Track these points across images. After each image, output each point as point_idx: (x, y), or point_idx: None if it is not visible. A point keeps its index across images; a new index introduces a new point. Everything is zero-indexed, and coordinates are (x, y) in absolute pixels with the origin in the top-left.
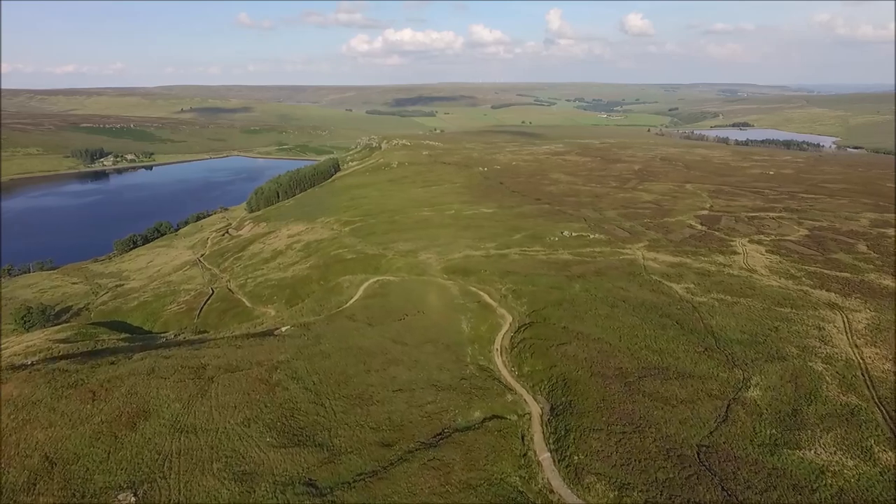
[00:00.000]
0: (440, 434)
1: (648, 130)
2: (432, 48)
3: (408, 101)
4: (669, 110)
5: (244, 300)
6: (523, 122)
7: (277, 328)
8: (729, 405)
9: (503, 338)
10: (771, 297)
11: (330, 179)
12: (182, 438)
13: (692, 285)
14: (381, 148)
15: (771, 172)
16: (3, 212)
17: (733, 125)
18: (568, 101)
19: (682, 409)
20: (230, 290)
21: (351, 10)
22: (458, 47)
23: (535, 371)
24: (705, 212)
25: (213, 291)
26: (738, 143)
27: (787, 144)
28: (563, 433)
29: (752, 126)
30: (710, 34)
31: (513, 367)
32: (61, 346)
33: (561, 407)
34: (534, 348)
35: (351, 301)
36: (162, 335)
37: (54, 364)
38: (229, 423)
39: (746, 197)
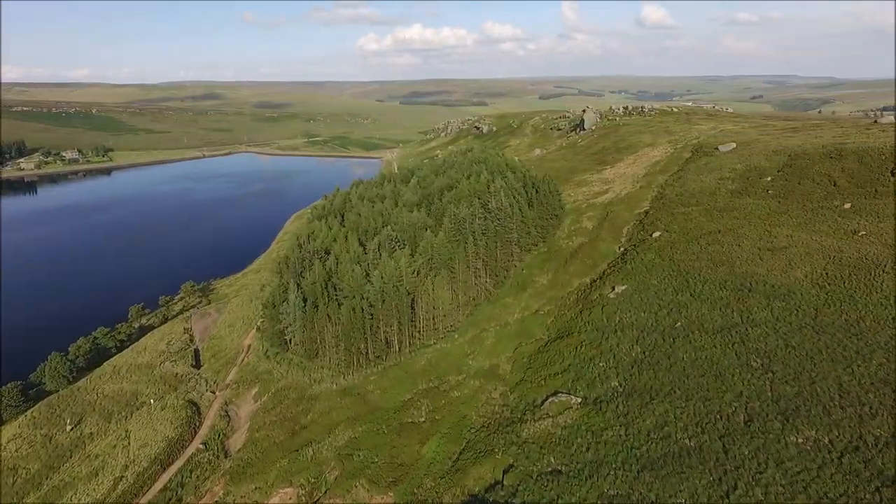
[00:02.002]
0: None
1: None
2: (445, 45)
3: (432, 94)
4: (752, 98)
5: None
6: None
7: None
8: None
9: None
10: None
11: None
12: None
13: None
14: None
15: None
16: None
17: (883, 109)
18: (612, 92)
19: None
20: None
21: (360, 8)
22: (471, 44)
23: None
24: None
25: None
26: None
27: None
28: None
29: None
30: (733, 25)
31: None
32: None
33: None
34: None
35: None
36: None
37: None
38: None
39: None
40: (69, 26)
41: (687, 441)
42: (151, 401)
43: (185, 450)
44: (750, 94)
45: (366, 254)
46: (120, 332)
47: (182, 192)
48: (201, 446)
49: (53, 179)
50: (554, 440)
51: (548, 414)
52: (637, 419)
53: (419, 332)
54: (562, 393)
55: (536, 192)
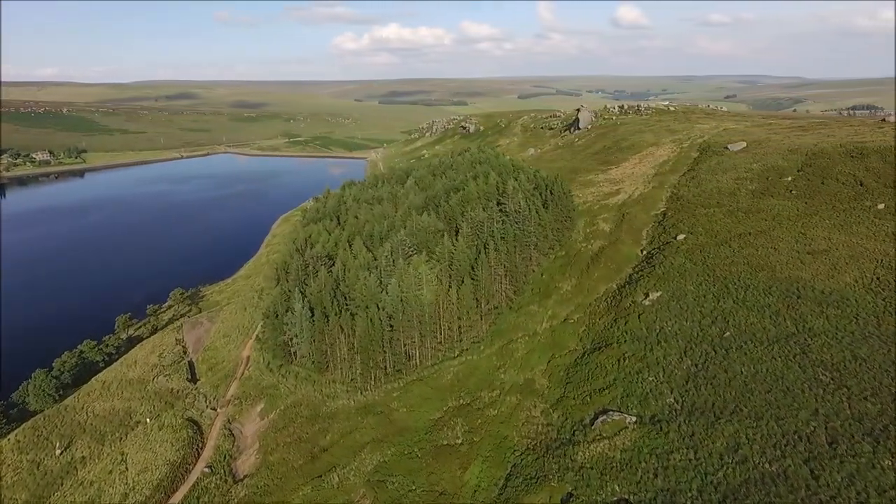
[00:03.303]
0: None
1: (794, 111)
2: (423, 45)
3: (411, 93)
4: (726, 98)
5: None
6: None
7: None
8: None
9: None
10: None
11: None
12: None
13: None
14: (513, 128)
15: None
16: None
17: (853, 108)
18: (589, 91)
19: None
20: None
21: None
22: (448, 44)
23: None
24: None
25: None
26: None
27: None
28: None
29: (881, 108)
30: (706, 26)
31: None
32: None
33: None
34: None
35: None
36: None
37: None
38: None
39: None
40: (35, 24)
41: (767, 465)
42: (147, 420)
43: (189, 474)
44: (724, 93)
45: (376, 260)
46: (107, 345)
47: (162, 195)
48: (207, 470)
49: (23, 182)
50: (615, 465)
51: (601, 434)
52: (705, 441)
53: (441, 343)
54: (613, 411)
55: (551, 193)
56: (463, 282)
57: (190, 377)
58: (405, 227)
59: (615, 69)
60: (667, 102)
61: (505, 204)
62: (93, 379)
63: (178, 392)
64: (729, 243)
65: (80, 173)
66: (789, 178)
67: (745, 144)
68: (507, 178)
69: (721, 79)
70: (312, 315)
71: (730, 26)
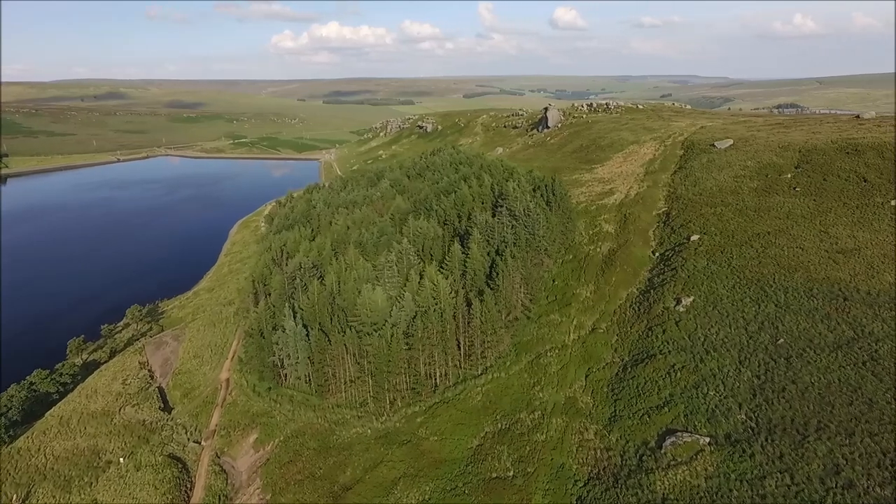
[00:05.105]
0: None
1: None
2: (364, 44)
3: (356, 93)
4: (661, 97)
5: None
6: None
7: None
8: None
9: None
10: None
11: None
12: None
13: None
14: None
15: None
16: None
17: (778, 107)
18: (532, 91)
19: None
20: None
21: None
22: (391, 43)
23: None
24: None
25: None
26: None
27: None
28: None
29: (806, 107)
30: (639, 28)
31: None
32: None
33: None
34: None
35: None
36: None
37: None
38: None
39: None
40: None
41: (878, 489)
42: (121, 459)
43: None
44: (659, 92)
45: (375, 270)
46: (61, 374)
47: (105, 202)
48: None
49: None
50: (702, 494)
51: (675, 459)
52: (799, 463)
53: (462, 360)
54: (680, 432)
55: (553, 193)
56: (483, 292)
57: (162, 405)
58: (401, 234)
59: (555, 69)
60: (607, 101)
61: (506, 206)
62: (47, 414)
63: (150, 424)
64: (750, 243)
65: (3, 179)
66: (789, 176)
67: (731, 142)
68: (503, 180)
69: (655, 79)
70: (307, 333)
71: (661, 28)
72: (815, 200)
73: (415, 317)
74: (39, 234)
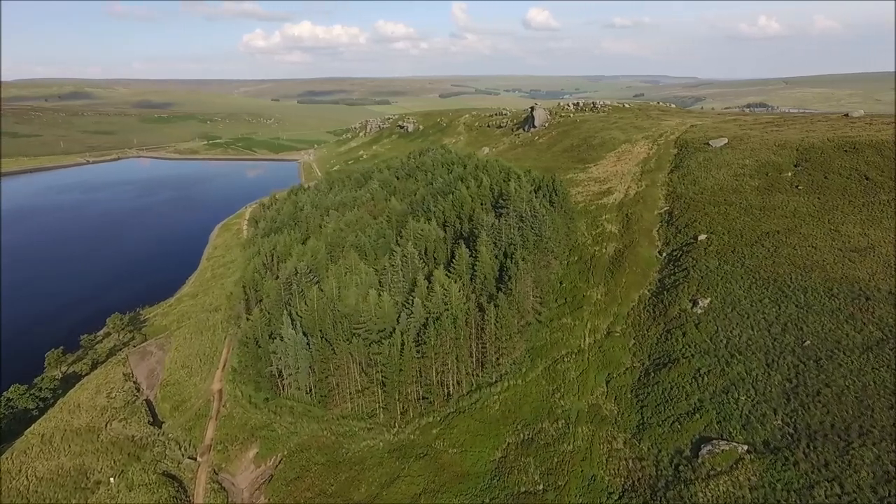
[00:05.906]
0: None
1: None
2: (338, 43)
3: (330, 93)
4: (634, 96)
5: None
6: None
7: None
8: None
9: None
10: None
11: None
12: None
13: None
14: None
15: None
16: None
17: (748, 106)
18: (507, 91)
19: None
20: None
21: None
22: (364, 42)
23: None
24: None
25: None
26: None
27: None
28: None
29: (774, 106)
30: (610, 28)
31: None
32: None
33: None
34: None
35: None
36: None
37: None
38: None
39: None
40: None
41: None
42: (111, 479)
43: None
44: (632, 92)
45: (378, 274)
46: (40, 388)
47: (78, 205)
48: None
49: None
50: None
51: (713, 469)
52: (846, 471)
53: (475, 367)
54: (716, 439)
55: (556, 194)
56: (496, 297)
57: (151, 420)
58: (401, 236)
59: (529, 69)
60: (581, 100)
61: (512, 207)
62: (27, 432)
63: (140, 440)
64: (760, 243)
65: None
66: (790, 174)
67: (726, 140)
68: (503, 180)
69: (627, 78)
70: (308, 342)
71: (631, 28)
72: (819, 199)
73: (426, 323)
74: (14, 240)
